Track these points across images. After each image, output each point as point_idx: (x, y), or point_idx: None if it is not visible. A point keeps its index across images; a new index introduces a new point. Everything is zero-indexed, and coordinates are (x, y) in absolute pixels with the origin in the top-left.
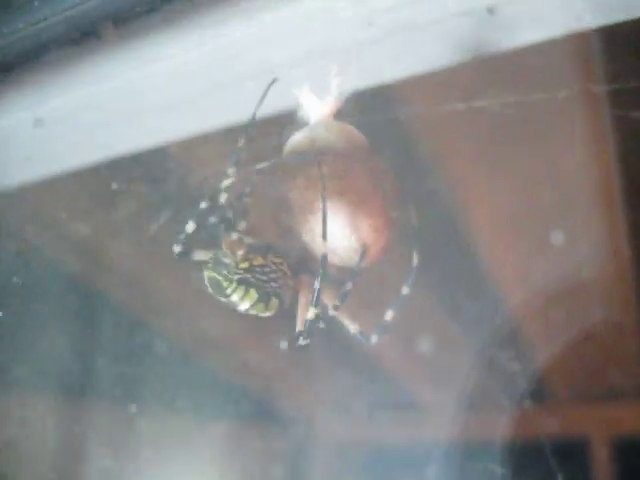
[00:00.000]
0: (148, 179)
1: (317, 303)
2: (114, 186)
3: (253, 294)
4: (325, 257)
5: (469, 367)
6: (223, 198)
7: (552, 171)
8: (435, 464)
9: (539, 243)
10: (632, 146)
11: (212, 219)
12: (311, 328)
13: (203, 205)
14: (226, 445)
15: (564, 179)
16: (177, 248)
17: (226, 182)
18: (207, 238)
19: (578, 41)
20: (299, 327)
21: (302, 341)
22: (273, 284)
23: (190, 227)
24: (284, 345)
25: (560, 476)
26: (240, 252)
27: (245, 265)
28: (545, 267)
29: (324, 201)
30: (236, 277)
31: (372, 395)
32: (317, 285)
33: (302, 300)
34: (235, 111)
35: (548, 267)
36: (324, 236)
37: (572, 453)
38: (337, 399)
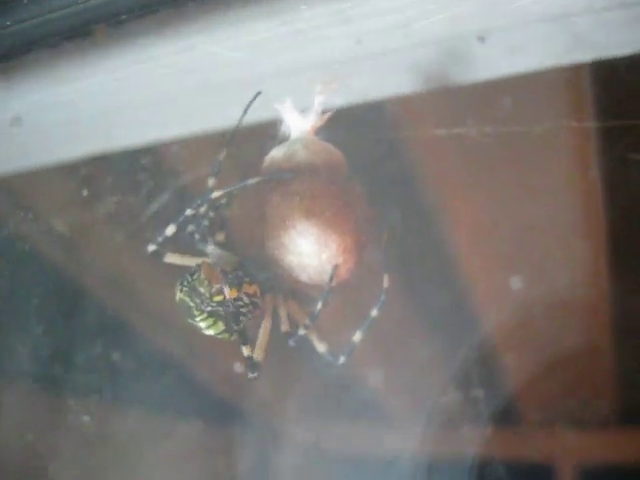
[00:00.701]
0: (130, 178)
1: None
2: (94, 184)
3: (220, 326)
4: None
5: (440, 385)
6: (203, 208)
7: (532, 195)
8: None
9: (517, 265)
10: (615, 174)
11: (190, 227)
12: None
13: (188, 212)
14: (193, 450)
15: (544, 203)
16: (151, 247)
17: (206, 193)
18: (183, 244)
19: (566, 75)
20: (258, 353)
21: (251, 375)
22: (242, 318)
23: (170, 230)
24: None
25: None
26: (217, 285)
27: (219, 298)
28: (522, 289)
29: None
30: (208, 309)
31: (342, 406)
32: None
33: (265, 324)
34: (220, 116)
35: (525, 289)
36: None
37: (539, 476)
38: (306, 409)
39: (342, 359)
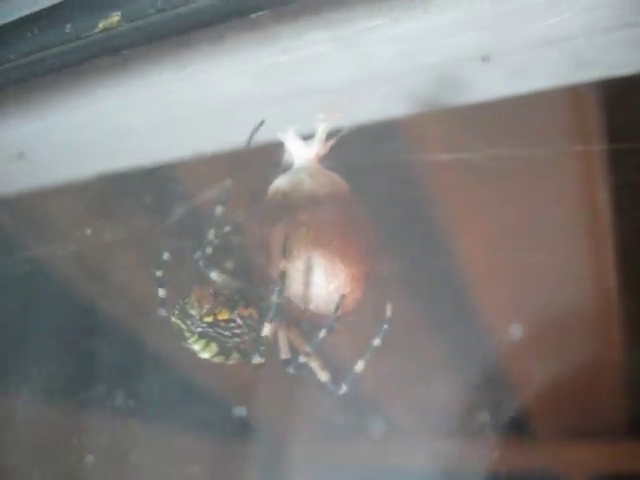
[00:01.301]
0: (136, 200)
1: (272, 319)
2: (101, 205)
3: (213, 347)
4: (283, 273)
5: (452, 398)
6: (211, 235)
7: (540, 218)
8: None
9: (525, 283)
10: (623, 196)
11: (197, 254)
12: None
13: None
14: (201, 461)
15: (551, 225)
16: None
17: (214, 222)
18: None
19: (572, 96)
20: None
21: (256, 359)
22: (235, 339)
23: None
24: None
25: None
26: (207, 305)
27: (209, 319)
28: (531, 304)
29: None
30: (198, 330)
31: (352, 419)
32: (274, 299)
33: (281, 340)
34: (224, 139)
35: (534, 304)
36: (284, 255)
37: None
38: (317, 423)
39: (344, 388)
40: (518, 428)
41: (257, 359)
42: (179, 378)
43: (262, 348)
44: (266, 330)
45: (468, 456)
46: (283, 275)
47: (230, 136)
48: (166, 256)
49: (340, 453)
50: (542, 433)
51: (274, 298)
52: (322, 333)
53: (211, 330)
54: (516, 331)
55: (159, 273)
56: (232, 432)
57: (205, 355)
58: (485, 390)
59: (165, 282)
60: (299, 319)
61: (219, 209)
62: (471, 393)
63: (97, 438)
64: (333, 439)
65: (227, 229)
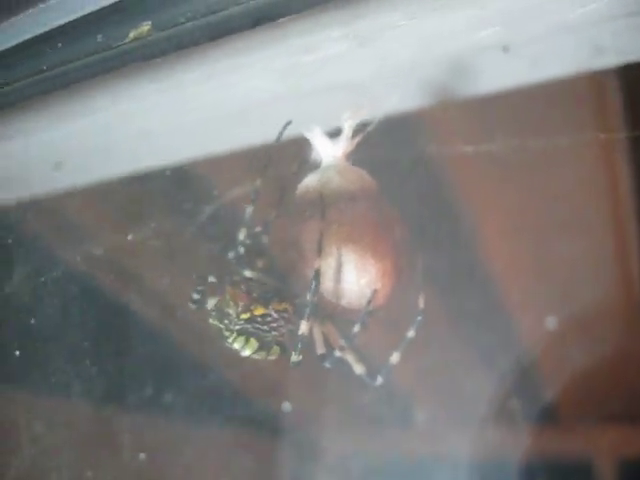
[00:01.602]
0: (164, 200)
1: (309, 317)
2: (137, 204)
3: (254, 343)
4: (318, 271)
5: (479, 388)
6: (242, 235)
7: (563, 207)
8: None
9: (551, 273)
10: None
11: (230, 254)
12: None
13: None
14: (225, 454)
15: (574, 214)
16: (195, 296)
17: (244, 220)
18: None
19: (592, 84)
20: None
21: (294, 357)
22: (274, 333)
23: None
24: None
25: None
26: (242, 303)
27: (246, 316)
28: (556, 295)
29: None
30: (236, 328)
31: (377, 411)
32: (309, 297)
33: (316, 335)
34: (253, 137)
35: (559, 295)
36: (319, 253)
37: (578, 476)
38: (341, 414)
39: (380, 380)
40: (549, 415)
41: (295, 357)
42: (217, 377)
43: (299, 345)
44: (303, 328)
45: (501, 444)
46: (318, 273)
47: (257, 135)
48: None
49: (378, 444)
50: (572, 419)
51: (309, 296)
52: (356, 327)
53: (249, 326)
54: (544, 321)
55: (200, 288)
56: (271, 428)
57: (247, 352)
58: (516, 380)
59: (202, 292)
60: (333, 314)
61: (249, 209)
62: (503, 383)
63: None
64: (371, 431)
65: (258, 229)
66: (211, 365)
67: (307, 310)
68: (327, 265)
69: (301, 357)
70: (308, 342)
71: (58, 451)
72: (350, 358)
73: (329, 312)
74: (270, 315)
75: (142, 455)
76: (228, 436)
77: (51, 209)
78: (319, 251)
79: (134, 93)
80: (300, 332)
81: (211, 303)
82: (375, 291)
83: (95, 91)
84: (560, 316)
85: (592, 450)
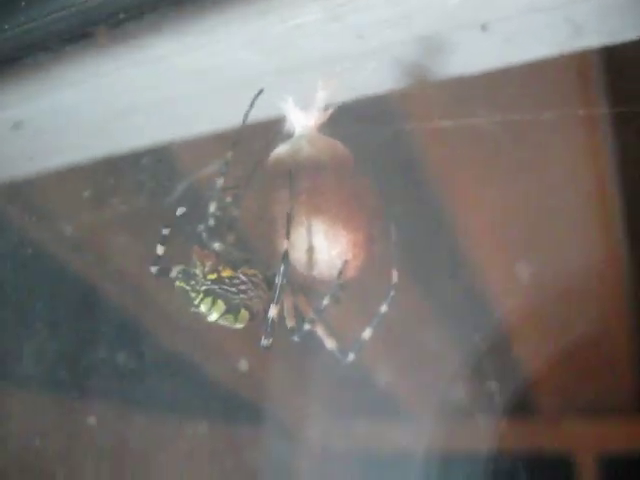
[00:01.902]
0: (135, 180)
1: (278, 300)
2: (100, 186)
3: (221, 305)
4: (286, 253)
5: (455, 377)
6: (212, 207)
7: (543, 182)
8: (417, 473)
9: (530, 251)
10: (625, 158)
11: (199, 227)
12: (272, 328)
13: (179, 212)
14: (209, 449)
15: (554, 189)
16: (154, 269)
17: (214, 193)
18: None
19: (572, 62)
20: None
21: (264, 341)
22: (242, 295)
23: (160, 250)
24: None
25: None
26: (209, 263)
27: (213, 276)
28: (535, 276)
29: (291, 210)
30: (203, 288)
31: (357, 402)
32: (278, 281)
33: (287, 308)
34: (224, 115)
35: (538, 276)
36: (287, 236)
37: (557, 468)
38: (322, 406)
39: (351, 356)
40: (524, 406)
41: (265, 341)
42: (184, 365)
43: (269, 329)
44: (272, 312)
45: (474, 435)
46: (286, 255)
47: (231, 112)
48: (166, 231)
49: (347, 433)
50: (548, 411)
51: (278, 279)
52: (326, 300)
53: (216, 287)
54: (521, 305)
55: (160, 250)
56: (239, 417)
57: (214, 316)
58: (491, 367)
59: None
60: (303, 286)
61: (220, 181)
62: (476, 371)
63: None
64: (339, 419)
65: (228, 200)
66: (182, 352)
67: (276, 294)
68: (297, 235)
69: (271, 340)
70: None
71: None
72: (321, 332)
73: (300, 283)
74: (238, 278)
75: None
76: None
77: (21, 192)
78: (288, 232)
79: (104, 64)
80: (270, 315)
81: (176, 270)
82: (346, 262)
83: (64, 59)
84: (542, 301)
85: (571, 444)
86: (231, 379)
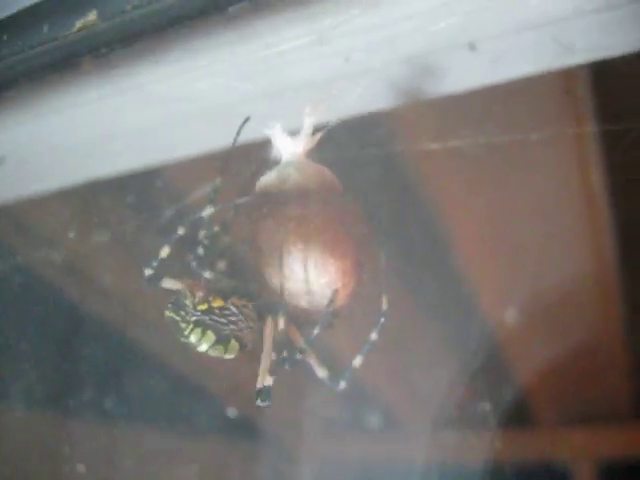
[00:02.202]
0: (124, 203)
1: (274, 372)
2: (88, 210)
3: (211, 336)
4: (282, 286)
5: (450, 388)
6: (201, 235)
7: (533, 201)
8: None
9: (521, 265)
10: (615, 176)
11: (189, 255)
12: (269, 394)
13: (180, 232)
14: (209, 463)
15: (545, 207)
16: (148, 271)
17: (204, 220)
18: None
19: (560, 80)
20: (259, 384)
21: (260, 403)
22: (232, 326)
23: (164, 252)
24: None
25: None
26: (200, 294)
27: (204, 307)
28: (527, 288)
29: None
30: (193, 319)
31: (353, 414)
32: (282, 325)
33: (266, 345)
34: (210, 139)
35: (530, 288)
36: (282, 271)
37: (556, 477)
38: (319, 418)
39: (342, 384)
40: (520, 416)
41: (261, 403)
42: (174, 380)
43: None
44: (269, 381)
45: (470, 446)
46: (282, 291)
47: (217, 135)
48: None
49: (341, 448)
50: (544, 420)
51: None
52: (316, 329)
53: (206, 318)
54: (514, 316)
55: (148, 272)
56: (230, 432)
57: (203, 347)
58: (485, 378)
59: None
60: (294, 315)
61: (208, 209)
62: (471, 381)
63: (89, 444)
64: (333, 434)
65: (216, 229)
66: (173, 367)
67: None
68: (286, 265)
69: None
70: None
71: None
72: (312, 361)
73: (290, 312)
74: (229, 309)
75: (80, 466)
76: (173, 441)
77: (10, 214)
78: (281, 268)
79: (87, 91)
80: (267, 384)
81: (170, 284)
82: (336, 291)
83: (46, 91)
84: (532, 310)
85: (567, 453)
86: (228, 396)
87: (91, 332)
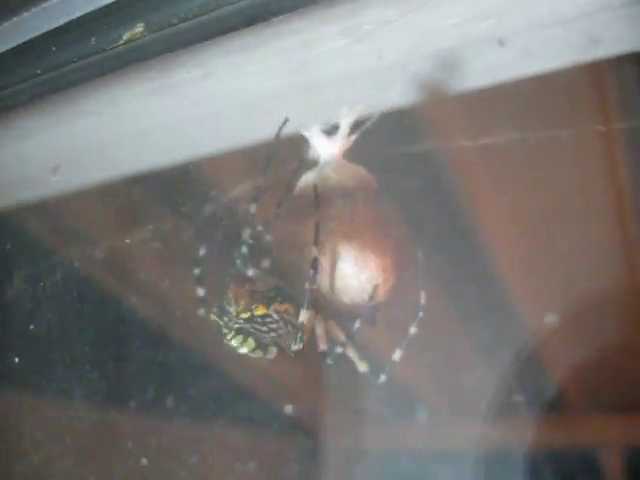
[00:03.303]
0: (164, 199)
1: (308, 305)
2: (136, 205)
3: (251, 343)
4: (317, 259)
5: (485, 379)
6: (246, 234)
7: (565, 199)
8: (448, 475)
9: (553, 265)
10: None
11: (235, 254)
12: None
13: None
14: (236, 452)
15: (576, 206)
16: (200, 292)
17: (248, 221)
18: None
19: (589, 75)
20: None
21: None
22: (272, 334)
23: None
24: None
25: None
26: (243, 302)
27: (246, 315)
28: (558, 288)
29: (317, 229)
30: (236, 326)
31: (384, 405)
32: (307, 285)
33: (319, 332)
34: (249, 135)
35: (561, 288)
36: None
37: (587, 464)
38: (349, 408)
39: (383, 378)
40: (553, 408)
41: (295, 346)
42: (224, 378)
43: (299, 335)
44: (302, 317)
45: (507, 438)
46: (315, 262)
47: (255, 134)
48: (202, 252)
49: (384, 442)
50: (577, 411)
51: (307, 285)
52: (357, 324)
53: (248, 326)
54: (548, 315)
55: (197, 271)
56: (279, 429)
57: (244, 350)
58: (520, 373)
59: (203, 281)
60: (335, 311)
61: (252, 208)
62: (506, 377)
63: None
64: (376, 428)
65: (259, 228)
66: (213, 367)
67: (306, 300)
68: (327, 262)
69: (300, 346)
70: (311, 339)
71: (61, 457)
72: (353, 355)
73: (331, 309)
74: (270, 316)
75: (144, 460)
76: (233, 439)
77: (50, 212)
78: (315, 241)
79: (130, 94)
80: (300, 320)
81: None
82: (376, 286)
83: (91, 94)
84: (562, 308)
85: (598, 441)
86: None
87: (128, 331)
